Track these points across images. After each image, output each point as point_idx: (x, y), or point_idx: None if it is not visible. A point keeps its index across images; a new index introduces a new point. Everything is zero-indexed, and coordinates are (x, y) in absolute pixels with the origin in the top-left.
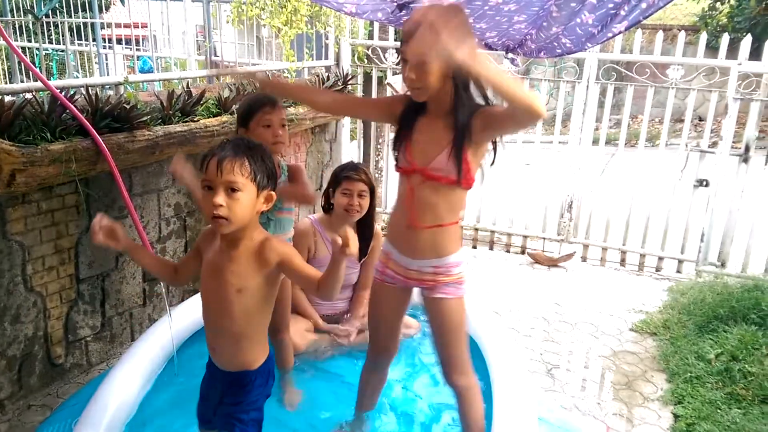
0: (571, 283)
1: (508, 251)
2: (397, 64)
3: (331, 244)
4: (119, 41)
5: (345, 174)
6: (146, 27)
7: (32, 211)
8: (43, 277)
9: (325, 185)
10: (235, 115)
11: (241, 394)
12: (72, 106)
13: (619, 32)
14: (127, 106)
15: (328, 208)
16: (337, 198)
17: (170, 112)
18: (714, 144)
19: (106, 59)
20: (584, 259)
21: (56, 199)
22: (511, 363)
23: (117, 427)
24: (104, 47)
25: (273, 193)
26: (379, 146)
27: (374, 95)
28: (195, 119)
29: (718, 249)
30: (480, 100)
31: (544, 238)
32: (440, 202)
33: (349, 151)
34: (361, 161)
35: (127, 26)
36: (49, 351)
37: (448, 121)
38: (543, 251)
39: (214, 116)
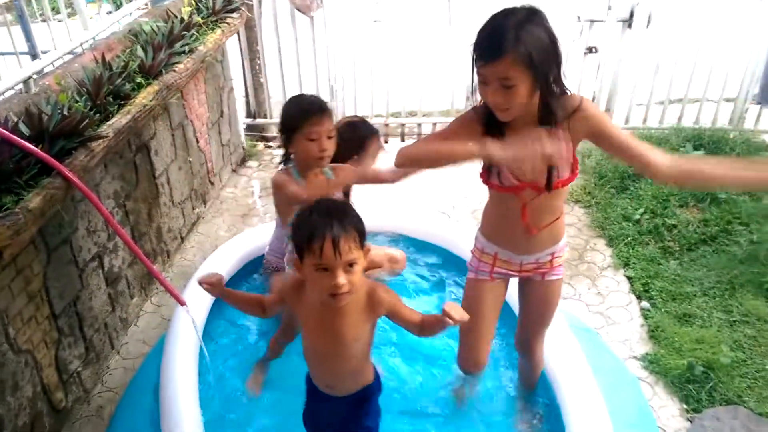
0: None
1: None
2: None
3: None
4: None
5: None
6: None
7: None
8: (26, 332)
9: (226, 110)
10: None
11: (367, 405)
12: (21, 141)
13: None
14: (73, 118)
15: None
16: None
17: (103, 101)
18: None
19: None
20: None
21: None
22: None
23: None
24: None
25: (370, 245)
26: (257, 48)
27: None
28: (130, 100)
29: (603, 107)
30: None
31: (434, 123)
32: (555, 202)
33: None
34: (249, 72)
35: None
36: (51, 401)
37: (541, 126)
38: None
39: (143, 88)
